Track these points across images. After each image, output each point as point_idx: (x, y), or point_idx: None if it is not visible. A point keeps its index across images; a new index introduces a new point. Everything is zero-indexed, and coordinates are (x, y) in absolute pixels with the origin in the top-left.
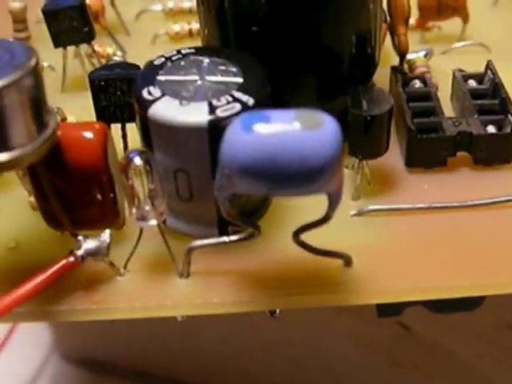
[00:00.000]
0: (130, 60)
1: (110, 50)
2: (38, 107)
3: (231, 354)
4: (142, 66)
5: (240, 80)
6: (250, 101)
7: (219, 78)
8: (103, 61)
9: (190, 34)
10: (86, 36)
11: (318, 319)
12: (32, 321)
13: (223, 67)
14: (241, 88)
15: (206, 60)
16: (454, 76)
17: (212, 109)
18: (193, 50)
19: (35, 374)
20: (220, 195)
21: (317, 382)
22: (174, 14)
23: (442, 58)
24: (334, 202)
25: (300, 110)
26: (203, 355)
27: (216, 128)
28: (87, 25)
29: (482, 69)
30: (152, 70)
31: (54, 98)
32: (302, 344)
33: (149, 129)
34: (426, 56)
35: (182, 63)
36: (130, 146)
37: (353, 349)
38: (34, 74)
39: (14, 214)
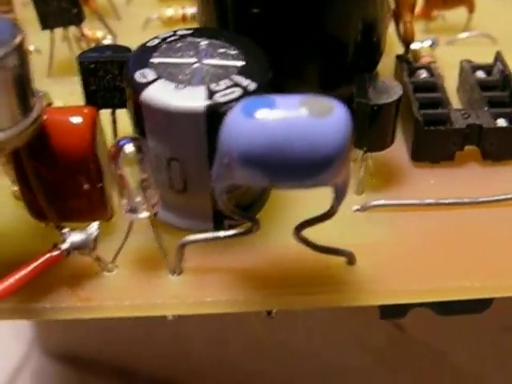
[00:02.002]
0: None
1: (99, 34)
2: (23, 88)
3: (221, 355)
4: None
5: (241, 63)
6: (252, 85)
7: (218, 61)
8: (93, 45)
9: (184, 18)
10: (75, 18)
11: (309, 318)
12: (12, 318)
13: (222, 50)
14: (241, 72)
15: (205, 42)
16: (462, 67)
17: (210, 93)
18: (190, 31)
19: (15, 369)
20: (217, 186)
21: (306, 382)
22: None
23: (447, 49)
24: (340, 195)
25: (306, 96)
26: (191, 354)
27: (214, 114)
28: (76, 6)
29: (487, 60)
30: (145, 51)
31: (41, 82)
32: (293, 344)
33: (142, 114)
34: (431, 46)
35: (178, 45)
36: (120, 133)
37: (345, 349)
38: (19, 52)
39: None
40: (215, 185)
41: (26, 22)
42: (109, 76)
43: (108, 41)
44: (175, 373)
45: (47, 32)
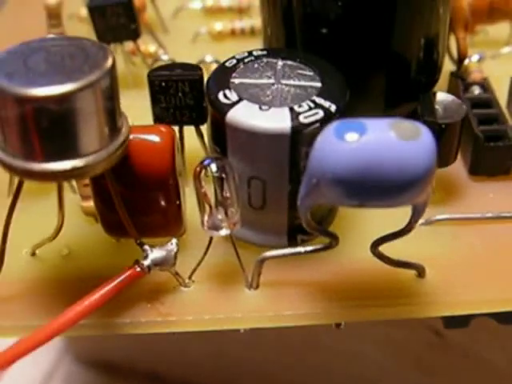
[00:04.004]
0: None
1: (152, 49)
2: (113, 111)
3: (255, 359)
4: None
5: (319, 84)
6: (332, 107)
7: (297, 82)
8: (148, 60)
9: (233, 33)
10: (132, 33)
11: (347, 324)
12: (93, 333)
13: (299, 71)
14: (321, 93)
15: (280, 63)
16: None
17: (294, 115)
18: (265, 52)
19: (47, 376)
20: (303, 205)
21: None
22: (212, 12)
23: (492, 63)
24: (419, 213)
25: (394, 119)
26: (225, 359)
27: (299, 135)
28: (134, 22)
29: None
30: (224, 72)
31: None
32: (329, 349)
33: (225, 134)
34: (479, 60)
35: (256, 65)
36: (187, 149)
37: (382, 355)
38: (110, 75)
39: (66, 219)
40: (302, 203)
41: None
42: (180, 94)
43: (164, 56)
44: (209, 381)
45: None
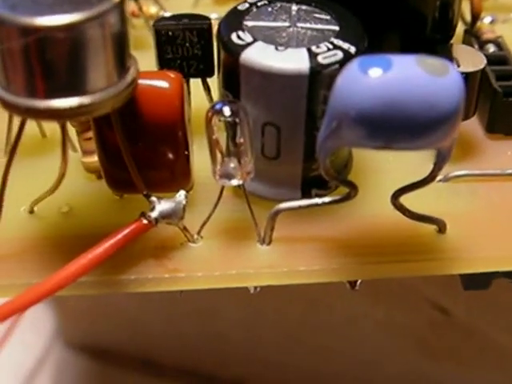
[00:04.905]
0: None
1: (153, 10)
2: (121, 48)
3: (250, 341)
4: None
5: (336, 28)
6: (352, 48)
7: (313, 26)
8: (150, 22)
9: None
10: None
11: (346, 305)
12: (93, 292)
13: (315, 15)
14: (339, 35)
15: (294, 7)
16: None
17: (312, 55)
18: None
19: (38, 362)
20: (323, 149)
21: (344, 371)
22: None
23: (503, 27)
24: (443, 159)
25: (420, 56)
26: (218, 342)
27: (317, 76)
28: None
29: None
30: (236, 15)
31: None
32: (328, 330)
33: (238, 77)
34: (491, 23)
35: (269, 9)
36: (193, 103)
37: (384, 336)
38: (119, 10)
39: (66, 176)
40: (322, 147)
41: None
42: (187, 44)
43: (166, 14)
44: (201, 365)
45: None
